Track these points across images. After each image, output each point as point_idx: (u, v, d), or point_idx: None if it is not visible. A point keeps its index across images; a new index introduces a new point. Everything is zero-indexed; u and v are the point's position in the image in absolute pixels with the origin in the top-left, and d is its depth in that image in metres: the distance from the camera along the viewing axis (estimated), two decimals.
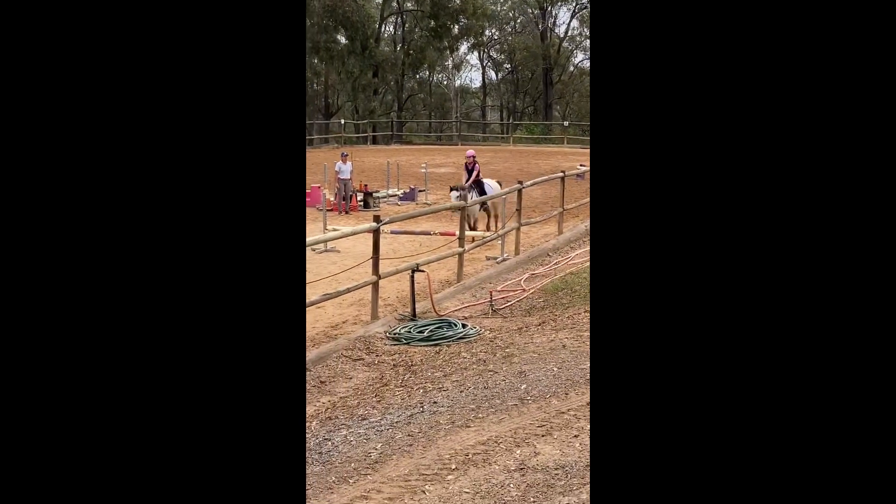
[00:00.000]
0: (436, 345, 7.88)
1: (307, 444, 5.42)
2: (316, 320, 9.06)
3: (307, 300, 8.36)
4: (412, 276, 9.25)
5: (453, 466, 4.61)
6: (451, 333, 8.14)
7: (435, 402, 6.02)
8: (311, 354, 7.67)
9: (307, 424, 5.95)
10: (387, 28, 46.87)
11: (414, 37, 44.86)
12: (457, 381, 6.60)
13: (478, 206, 14.43)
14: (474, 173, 15.15)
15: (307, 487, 4.62)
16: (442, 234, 13.79)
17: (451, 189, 14.91)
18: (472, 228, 14.12)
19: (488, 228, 14.69)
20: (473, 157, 15.64)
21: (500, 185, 15.46)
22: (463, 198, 14.05)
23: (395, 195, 20.04)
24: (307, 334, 8.50)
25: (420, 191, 19.99)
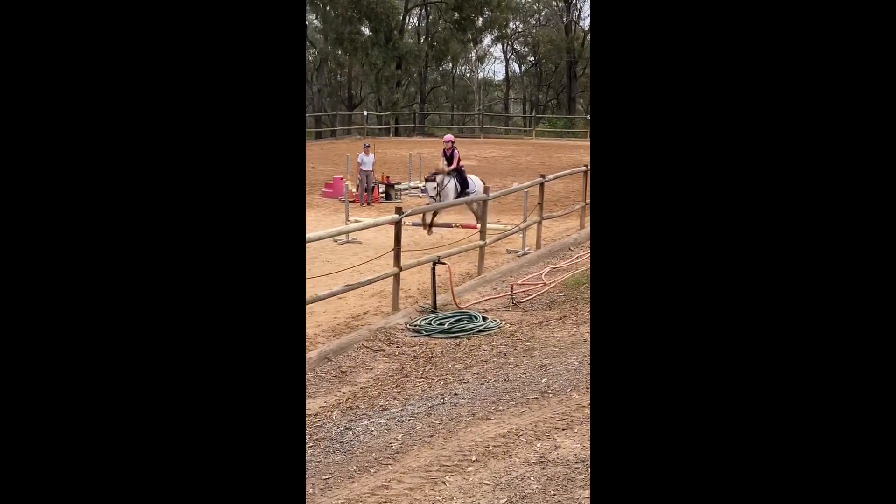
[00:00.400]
0: (456, 337, 7.90)
1: (328, 434, 5.47)
2: (337, 311, 9.11)
3: (329, 290, 8.41)
4: (433, 269, 9.27)
5: (474, 458, 4.63)
6: (471, 326, 8.15)
7: (455, 394, 6.04)
8: (332, 345, 7.72)
9: (328, 414, 5.99)
10: (411, 20, 46.85)
11: (438, 29, 44.82)
12: (477, 373, 6.62)
13: (453, 194, 13.18)
14: (455, 160, 13.86)
15: (328, 476, 4.66)
16: (463, 226, 13.80)
17: (427, 180, 13.54)
18: (428, 222, 13.09)
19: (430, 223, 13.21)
20: (452, 142, 14.28)
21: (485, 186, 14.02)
22: (440, 185, 12.97)
23: (417, 187, 20.06)
24: (329, 325, 8.55)
25: None
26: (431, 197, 13.22)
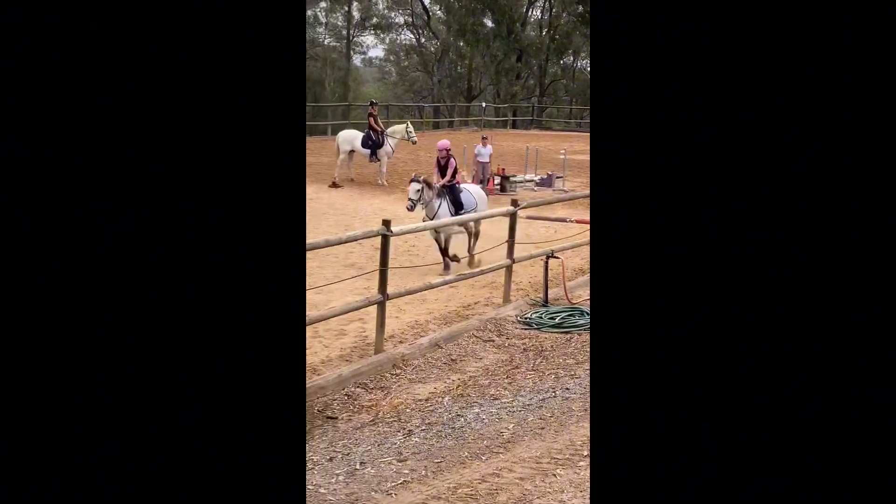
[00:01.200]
0: (567, 332, 7.86)
1: (440, 419, 5.55)
2: (448, 299, 9.20)
3: (442, 279, 8.52)
4: (546, 262, 9.24)
5: (585, 453, 4.61)
6: (582, 322, 8.09)
7: (567, 389, 6.03)
8: (442, 332, 7.82)
9: (439, 400, 6.08)
10: (534, 12, 46.62)
11: (560, 22, 44.45)
12: (589, 369, 6.58)
13: (446, 217, 10.44)
14: (449, 171, 11.00)
15: (440, 460, 4.73)
16: (578, 221, 13.68)
17: (412, 180, 10.81)
18: (444, 252, 10.46)
19: (470, 257, 10.41)
20: (447, 150, 11.29)
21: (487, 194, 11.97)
22: (424, 193, 10.52)
23: (532, 180, 20.00)
24: (440, 313, 8.66)
25: (558, 177, 19.89)
26: (411, 199, 10.63)
